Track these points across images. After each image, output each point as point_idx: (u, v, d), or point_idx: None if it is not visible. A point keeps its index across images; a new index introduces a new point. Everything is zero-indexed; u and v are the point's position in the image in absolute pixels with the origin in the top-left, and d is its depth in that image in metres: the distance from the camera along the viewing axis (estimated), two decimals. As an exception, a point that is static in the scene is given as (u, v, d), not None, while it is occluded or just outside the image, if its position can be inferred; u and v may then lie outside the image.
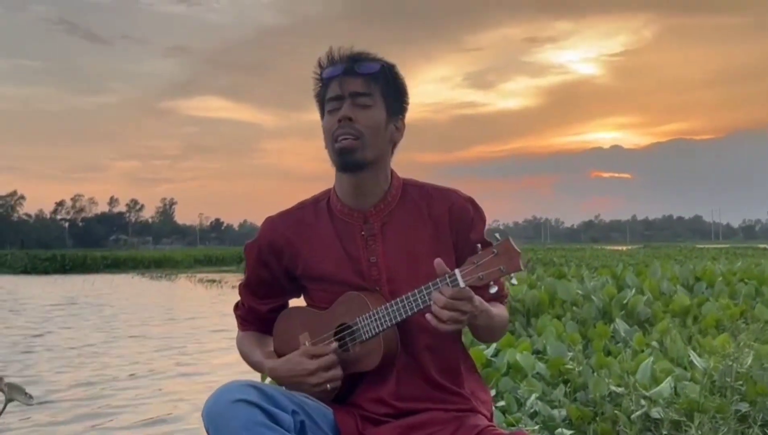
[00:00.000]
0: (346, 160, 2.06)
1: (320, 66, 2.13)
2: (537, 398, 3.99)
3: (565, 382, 4.48)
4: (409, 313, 1.98)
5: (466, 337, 2.22)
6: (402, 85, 2.16)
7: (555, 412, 3.86)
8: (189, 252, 62.11)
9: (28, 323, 13.74)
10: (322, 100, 2.14)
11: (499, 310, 2.12)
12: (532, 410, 3.89)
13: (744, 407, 3.78)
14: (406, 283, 2.04)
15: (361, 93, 2.06)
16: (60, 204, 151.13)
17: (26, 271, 43.10)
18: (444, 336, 2.05)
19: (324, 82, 2.12)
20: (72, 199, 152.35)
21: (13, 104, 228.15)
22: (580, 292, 8.30)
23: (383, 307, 2.01)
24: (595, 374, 4.35)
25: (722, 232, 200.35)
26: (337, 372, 2.04)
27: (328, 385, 2.04)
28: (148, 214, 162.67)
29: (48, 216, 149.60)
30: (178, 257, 51.17)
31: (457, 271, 1.90)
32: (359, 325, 2.04)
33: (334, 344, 2.06)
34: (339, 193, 2.16)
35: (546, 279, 9.77)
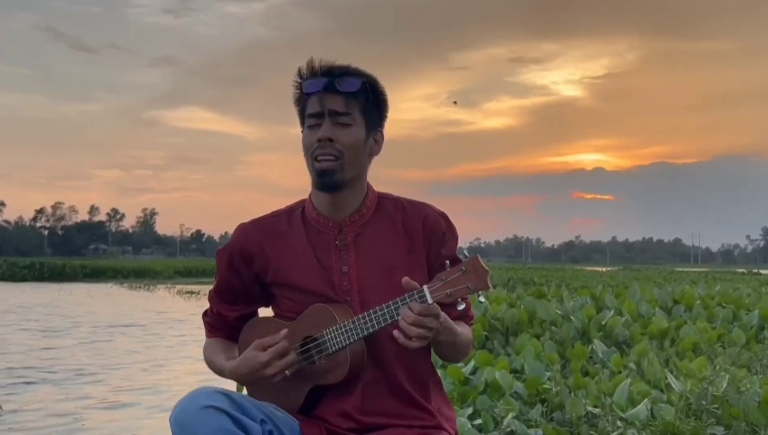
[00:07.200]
0: (325, 182, 2.06)
1: (300, 76, 2.11)
2: (514, 417, 3.99)
3: (543, 401, 4.49)
4: (377, 328, 1.97)
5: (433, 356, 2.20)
6: (382, 99, 2.14)
7: (532, 431, 3.87)
8: (169, 263, 61.74)
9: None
10: (301, 111, 2.13)
11: (463, 329, 2.11)
12: (508, 429, 3.89)
13: (719, 431, 3.80)
14: (376, 293, 2.03)
15: (341, 112, 2.05)
16: (40, 211, 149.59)
17: (4, 278, 42.67)
18: (414, 348, 2.04)
19: (304, 95, 2.11)
20: (52, 206, 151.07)
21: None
22: (559, 312, 8.32)
23: (350, 320, 1.99)
24: (573, 395, 4.36)
25: (701, 255, 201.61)
26: (292, 358, 2.01)
27: (287, 371, 2.01)
28: (128, 223, 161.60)
29: (27, 223, 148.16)
30: (158, 268, 50.86)
31: (425, 287, 1.90)
32: (326, 338, 2.02)
33: (284, 330, 2.02)
34: (315, 203, 2.15)
35: (526, 298, 9.79)
